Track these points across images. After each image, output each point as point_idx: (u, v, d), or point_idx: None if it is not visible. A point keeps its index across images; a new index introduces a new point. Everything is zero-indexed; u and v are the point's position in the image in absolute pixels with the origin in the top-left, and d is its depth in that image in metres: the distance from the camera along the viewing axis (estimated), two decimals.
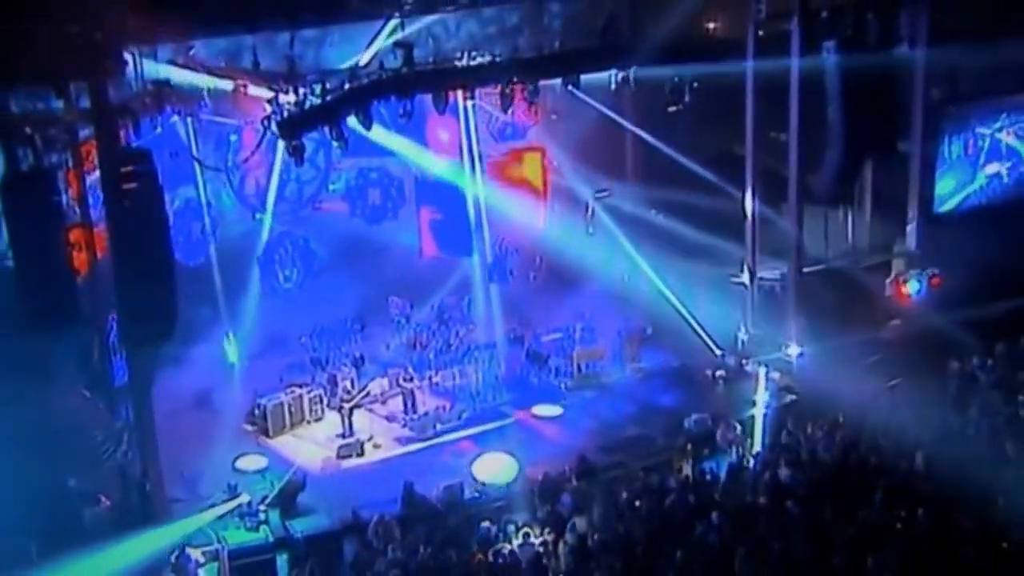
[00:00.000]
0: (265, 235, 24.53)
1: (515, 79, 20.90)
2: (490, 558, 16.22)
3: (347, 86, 19.30)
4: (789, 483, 16.83)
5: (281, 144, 20.74)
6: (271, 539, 18.12)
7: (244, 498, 18.75)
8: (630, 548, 15.29)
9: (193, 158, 22.45)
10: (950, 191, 24.57)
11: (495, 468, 19.64)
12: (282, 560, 17.65)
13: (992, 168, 24.94)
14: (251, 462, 20.44)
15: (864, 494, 15.77)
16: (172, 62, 20.53)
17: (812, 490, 16.35)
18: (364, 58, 21.17)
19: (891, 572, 13.76)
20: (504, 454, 20.03)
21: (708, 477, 18.27)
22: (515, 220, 25.56)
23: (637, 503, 17.02)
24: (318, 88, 19.22)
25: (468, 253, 25.19)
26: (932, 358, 21.05)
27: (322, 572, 16.83)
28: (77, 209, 18.29)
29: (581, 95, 23.30)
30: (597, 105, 24.53)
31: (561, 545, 16.24)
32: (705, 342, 23.78)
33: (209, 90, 20.26)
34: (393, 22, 21.48)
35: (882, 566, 13.75)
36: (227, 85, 20.41)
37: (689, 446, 19.82)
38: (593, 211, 26.09)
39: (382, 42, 21.38)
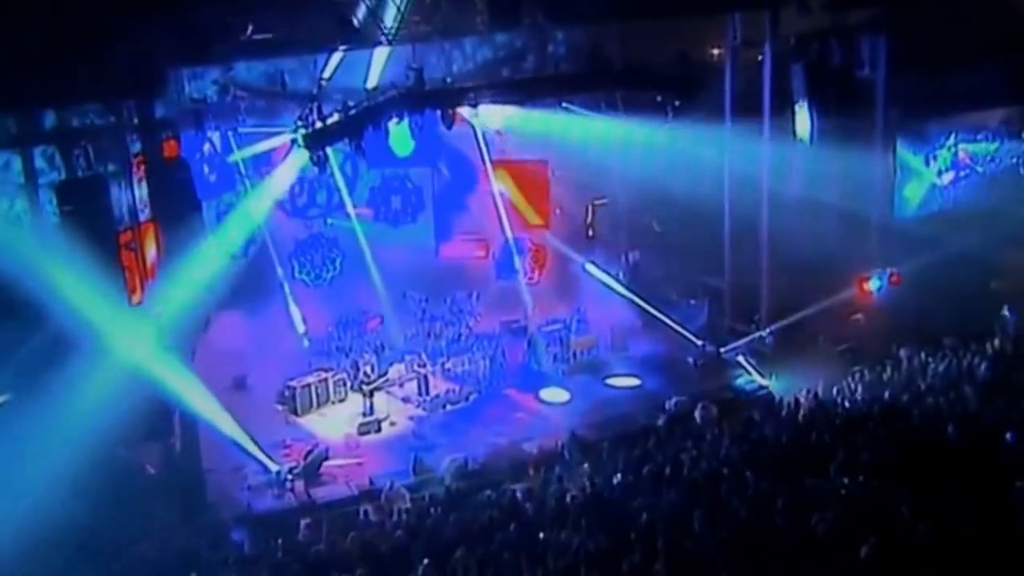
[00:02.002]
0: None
1: (513, 99, 21.19)
2: (485, 521, 16.54)
3: (365, 104, 19.69)
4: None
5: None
6: (295, 504, 18.64)
7: (274, 467, 19.29)
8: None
9: (235, 168, 23.03)
10: (909, 198, 24.78)
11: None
12: (304, 523, 18.02)
13: (947, 178, 25.17)
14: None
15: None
16: (215, 82, 21.12)
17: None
18: (371, 80, 21.39)
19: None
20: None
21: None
22: (522, 224, 25.99)
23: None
24: (340, 105, 19.64)
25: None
26: (890, 349, 21.20)
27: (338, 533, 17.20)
28: (127, 213, 18.74)
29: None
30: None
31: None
32: (685, 335, 24.10)
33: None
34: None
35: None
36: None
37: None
38: (593, 215, 26.46)
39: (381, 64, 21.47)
